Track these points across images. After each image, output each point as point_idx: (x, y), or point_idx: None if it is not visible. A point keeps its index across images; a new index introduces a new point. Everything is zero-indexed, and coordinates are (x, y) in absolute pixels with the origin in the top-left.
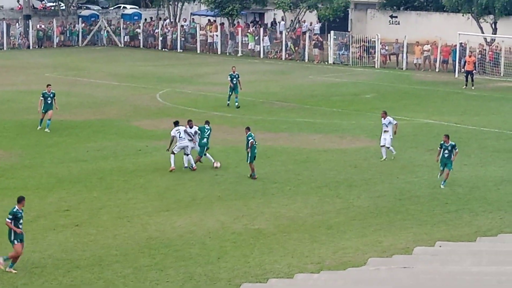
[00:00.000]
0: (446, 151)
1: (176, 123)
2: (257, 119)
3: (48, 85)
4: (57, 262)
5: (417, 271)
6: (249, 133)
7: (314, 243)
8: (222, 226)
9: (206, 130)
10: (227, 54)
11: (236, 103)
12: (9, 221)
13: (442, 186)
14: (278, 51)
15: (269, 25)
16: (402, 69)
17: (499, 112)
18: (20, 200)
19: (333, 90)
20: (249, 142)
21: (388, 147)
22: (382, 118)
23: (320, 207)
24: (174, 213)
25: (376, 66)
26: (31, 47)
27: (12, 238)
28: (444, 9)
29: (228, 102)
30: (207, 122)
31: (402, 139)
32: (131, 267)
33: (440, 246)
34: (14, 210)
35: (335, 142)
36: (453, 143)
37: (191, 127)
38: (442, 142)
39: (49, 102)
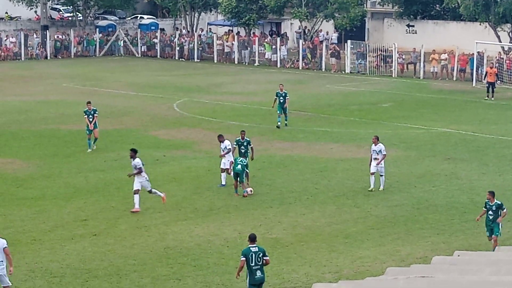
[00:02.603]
0: (491, 212)
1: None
2: (274, 128)
3: (88, 103)
4: (75, 272)
5: (435, 280)
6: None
7: (331, 252)
8: (239, 236)
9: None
10: (244, 63)
11: (281, 122)
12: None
13: None
14: (295, 61)
15: (286, 35)
16: (419, 78)
17: None
18: (253, 238)
19: (350, 99)
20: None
21: (382, 175)
22: (373, 144)
23: (337, 216)
24: (192, 222)
25: (393, 75)
26: (48, 57)
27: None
28: (461, 18)
29: (278, 123)
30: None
31: (420, 148)
32: (149, 277)
33: (458, 256)
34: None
35: (353, 151)
36: (499, 202)
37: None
38: (487, 200)
39: (91, 119)
